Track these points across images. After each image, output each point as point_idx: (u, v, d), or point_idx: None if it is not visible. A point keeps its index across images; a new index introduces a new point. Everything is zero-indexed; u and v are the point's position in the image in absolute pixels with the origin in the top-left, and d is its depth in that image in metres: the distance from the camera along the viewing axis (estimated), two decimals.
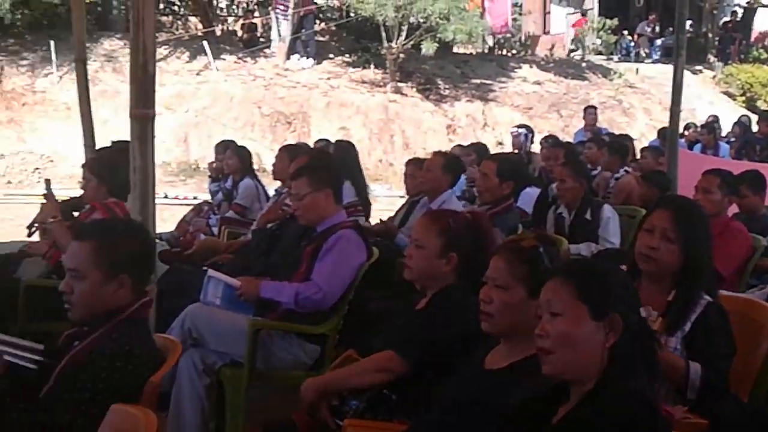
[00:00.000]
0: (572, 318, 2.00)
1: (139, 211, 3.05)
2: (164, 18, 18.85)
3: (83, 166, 5.30)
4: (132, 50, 3.00)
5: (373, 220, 6.55)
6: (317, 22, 18.39)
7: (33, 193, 12.85)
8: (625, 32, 22.17)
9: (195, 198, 12.09)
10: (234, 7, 19.91)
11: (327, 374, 3.10)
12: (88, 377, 2.36)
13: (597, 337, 1.99)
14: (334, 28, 19.17)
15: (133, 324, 2.54)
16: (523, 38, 20.98)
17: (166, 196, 12.42)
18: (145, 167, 3.04)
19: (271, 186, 7.91)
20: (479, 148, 9.13)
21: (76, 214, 5.74)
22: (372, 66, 17.14)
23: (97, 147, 6.18)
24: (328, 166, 4.61)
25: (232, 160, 7.62)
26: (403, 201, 6.80)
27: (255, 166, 8.12)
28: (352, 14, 17.05)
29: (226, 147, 8.15)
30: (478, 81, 17.85)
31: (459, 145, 9.94)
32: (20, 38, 16.70)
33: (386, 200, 11.81)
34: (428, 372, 2.80)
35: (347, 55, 17.79)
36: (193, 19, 19.08)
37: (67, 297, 2.56)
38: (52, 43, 15.71)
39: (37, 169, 14.47)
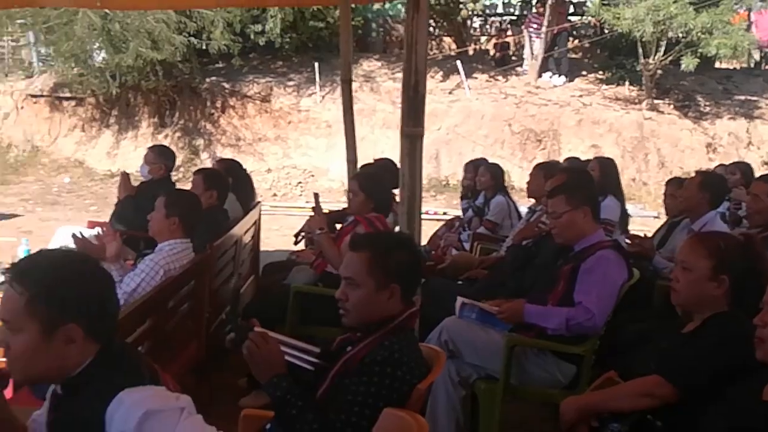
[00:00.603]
0: None
1: (406, 226, 3.17)
2: None
3: (351, 180, 5.56)
4: (405, 71, 3.14)
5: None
6: (570, 39, 18.18)
7: (296, 205, 13.72)
8: None
9: (445, 213, 12.35)
10: (487, 26, 20.14)
11: (588, 394, 3.06)
12: (361, 381, 2.49)
13: None
14: (587, 45, 18.87)
15: (402, 332, 2.66)
16: None
17: None
18: (413, 183, 3.17)
19: (522, 203, 7.94)
20: (745, 168, 8.59)
21: (338, 226, 6.07)
22: (626, 83, 16.67)
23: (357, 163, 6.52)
24: (586, 185, 4.57)
25: (484, 177, 7.70)
26: (657, 222, 6.56)
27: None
28: (606, 31, 16.69)
29: (477, 164, 8.26)
30: (742, 97, 16.82)
31: (722, 164, 9.42)
32: (288, 60, 17.88)
33: (639, 220, 11.41)
34: (696, 399, 2.69)
35: (600, 72, 17.42)
36: (447, 39, 19.51)
37: (342, 304, 2.71)
38: (316, 64, 16.68)
39: (299, 182, 15.42)
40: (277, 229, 11.07)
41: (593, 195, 4.30)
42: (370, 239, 2.85)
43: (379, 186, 5.27)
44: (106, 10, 13.69)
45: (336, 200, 12.45)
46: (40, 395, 2.80)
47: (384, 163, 6.57)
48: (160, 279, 4.33)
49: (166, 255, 4.51)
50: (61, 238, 6.62)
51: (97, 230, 5.65)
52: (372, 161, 7.08)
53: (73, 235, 4.63)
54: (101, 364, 1.97)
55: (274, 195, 14.73)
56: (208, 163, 15.67)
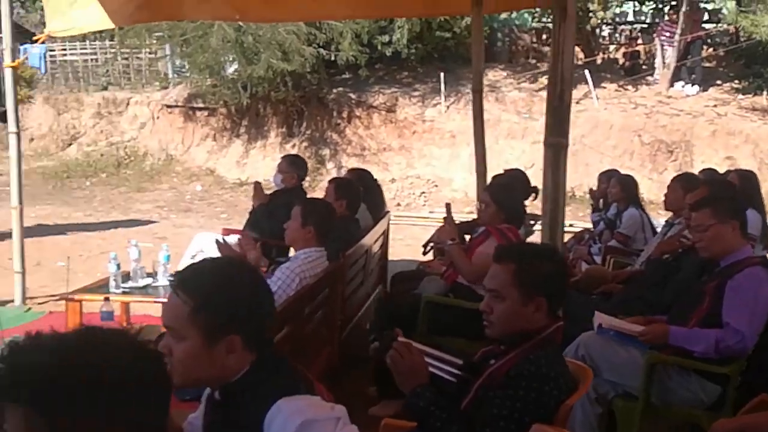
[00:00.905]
0: None
1: (548, 237, 3.12)
2: (546, 48, 19.20)
3: (483, 190, 5.53)
4: (550, 80, 3.10)
5: None
6: (704, 47, 17.58)
7: (419, 215, 13.76)
8: None
9: (571, 225, 12.12)
10: (617, 35, 19.70)
11: (742, 417, 2.93)
12: (507, 395, 2.46)
13: None
14: (722, 53, 18.20)
15: (548, 346, 2.61)
16: None
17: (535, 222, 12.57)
18: (556, 195, 3.12)
19: (652, 215, 7.72)
20: None
21: (467, 237, 6.04)
22: (764, 92, 15.98)
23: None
24: (733, 198, 4.39)
25: (615, 189, 7.53)
26: None
27: None
28: (743, 38, 16.07)
29: (610, 176, 8.09)
30: None
31: None
32: (413, 71, 17.98)
33: None
34: None
35: (736, 81, 16.76)
36: (575, 48, 19.21)
37: (486, 316, 2.68)
38: (441, 75, 16.70)
39: (423, 192, 15.46)
40: (401, 238, 11.12)
41: (740, 208, 4.13)
42: (515, 251, 2.81)
43: (511, 197, 5.22)
44: (240, 23, 14.14)
45: (459, 210, 12.40)
46: (182, 397, 2.90)
47: (515, 174, 6.52)
48: (296, 286, 4.42)
49: (301, 263, 4.59)
50: (199, 244, 6.84)
51: (236, 238, 5.83)
52: (502, 172, 7.03)
53: (217, 242, 4.77)
54: (258, 373, 2.00)
55: (398, 205, 14.81)
56: (333, 173, 15.94)
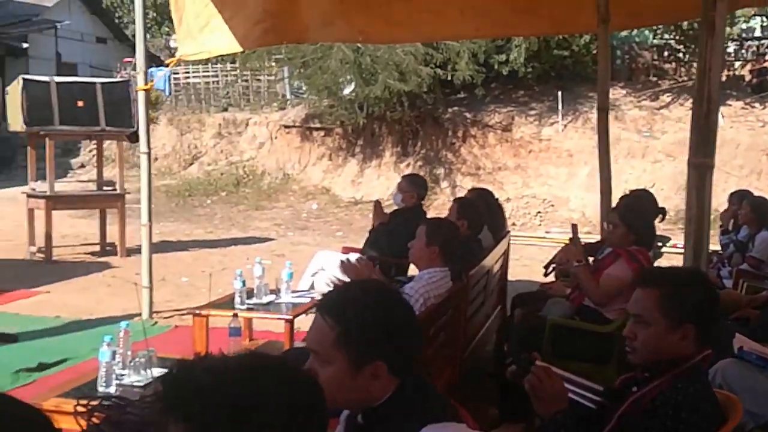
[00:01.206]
0: None
1: (692, 261, 2.99)
2: (667, 65, 18.73)
3: (611, 211, 5.40)
4: (696, 99, 2.99)
5: None
6: None
7: (535, 235, 13.56)
8: None
9: None
10: (743, 51, 19.03)
11: None
12: (653, 425, 2.36)
13: None
14: None
15: (696, 375, 2.49)
16: None
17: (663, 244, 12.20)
18: (701, 217, 2.99)
19: None
20: None
21: (591, 259, 5.89)
22: None
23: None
24: None
25: (746, 211, 7.24)
26: None
27: None
28: None
29: (741, 197, 7.77)
30: None
31: None
32: (530, 90, 17.83)
33: None
34: None
35: None
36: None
37: (629, 342, 2.58)
38: (559, 93, 16.48)
39: (538, 212, 15.25)
40: (517, 259, 10.96)
41: None
42: (660, 275, 2.70)
43: (641, 218, 5.06)
44: (359, 45, 14.33)
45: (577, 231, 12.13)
46: None
47: (643, 195, 6.33)
48: (420, 307, 4.38)
49: (425, 283, 4.57)
50: (320, 263, 6.92)
51: (356, 256, 5.86)
52: (626, 192, 6.86)
53: (342, 263, 4.79)
54: (403, 398, 1.96)
55: (513, 224, 14.63)
56: (448, 192, 15.93)
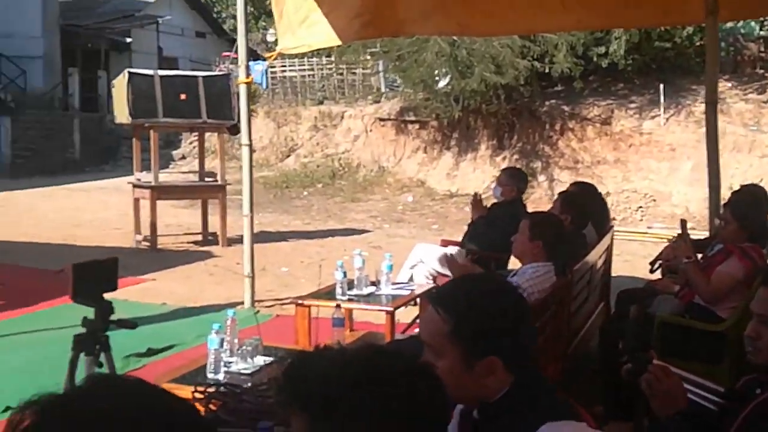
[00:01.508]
0: None
1: None
2: None
3: (723, 206, 5.24)
4: None
5: None
6: None
7: (636, 230, 13.26)
8: None
9: None
10: None
11: None
12: None
13: None
14: None
15: None
16: None
17: None
18: None
19: None
20: None
21: (699, 255, 5.72)
22: None
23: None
24: None
25: None
26: None
27: None
28: None
29: None
30: None
31: None
32: (630, 82, 17.42)
33: None
34: None
35: None
36: None
37: (751, 342, 2.49)
38: (661, 86, 16.05)
39: (639, 207, 14.90)
40: (618, 254, 10.69)
41: None
42: None
43: (755, 214, 4.89)
44: (455, 38, 14.26)
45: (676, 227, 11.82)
46: None
47: (755, 190, 6.11)
48: None
49: (529, 278, 4.53)
50: (418, 255, 6.91)
51: (455, 249, 5.85)
52: (736, 187, 6.63)
53: (445, 255, 4.78)
54: (520, 394, 1.92)
55: (614, 219, 14.34)
56: (545, 186, 15.75)
